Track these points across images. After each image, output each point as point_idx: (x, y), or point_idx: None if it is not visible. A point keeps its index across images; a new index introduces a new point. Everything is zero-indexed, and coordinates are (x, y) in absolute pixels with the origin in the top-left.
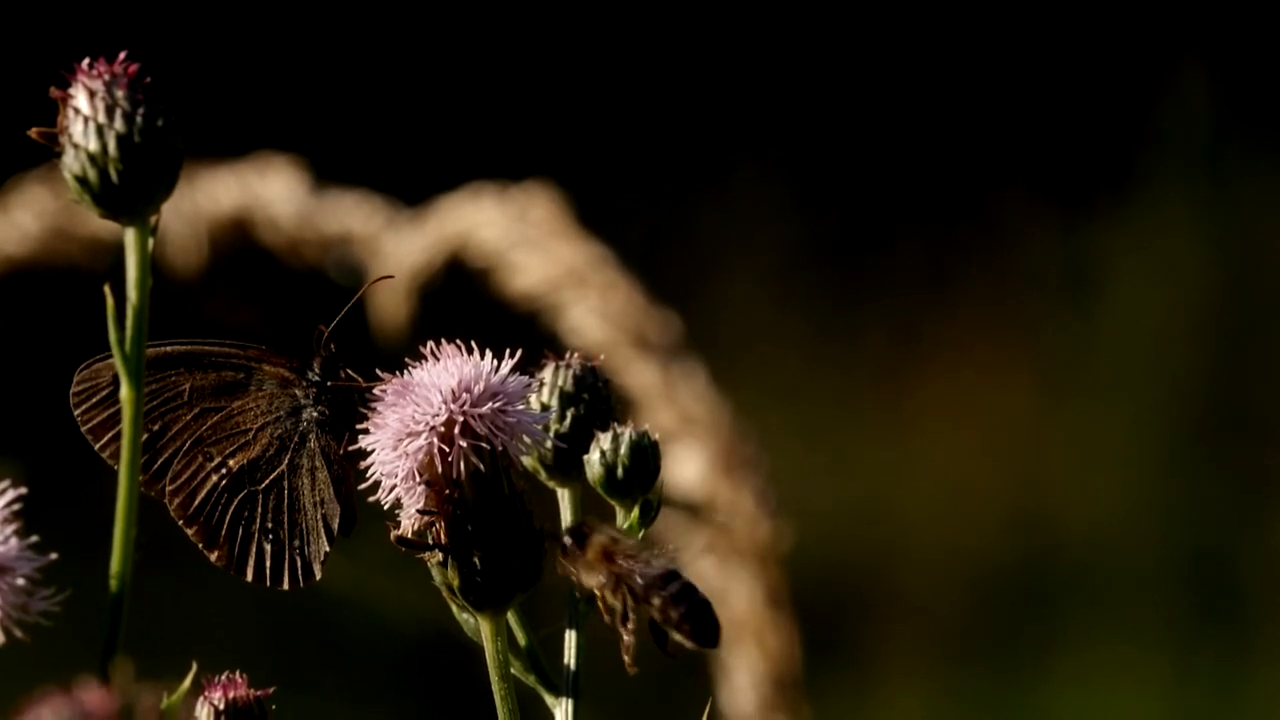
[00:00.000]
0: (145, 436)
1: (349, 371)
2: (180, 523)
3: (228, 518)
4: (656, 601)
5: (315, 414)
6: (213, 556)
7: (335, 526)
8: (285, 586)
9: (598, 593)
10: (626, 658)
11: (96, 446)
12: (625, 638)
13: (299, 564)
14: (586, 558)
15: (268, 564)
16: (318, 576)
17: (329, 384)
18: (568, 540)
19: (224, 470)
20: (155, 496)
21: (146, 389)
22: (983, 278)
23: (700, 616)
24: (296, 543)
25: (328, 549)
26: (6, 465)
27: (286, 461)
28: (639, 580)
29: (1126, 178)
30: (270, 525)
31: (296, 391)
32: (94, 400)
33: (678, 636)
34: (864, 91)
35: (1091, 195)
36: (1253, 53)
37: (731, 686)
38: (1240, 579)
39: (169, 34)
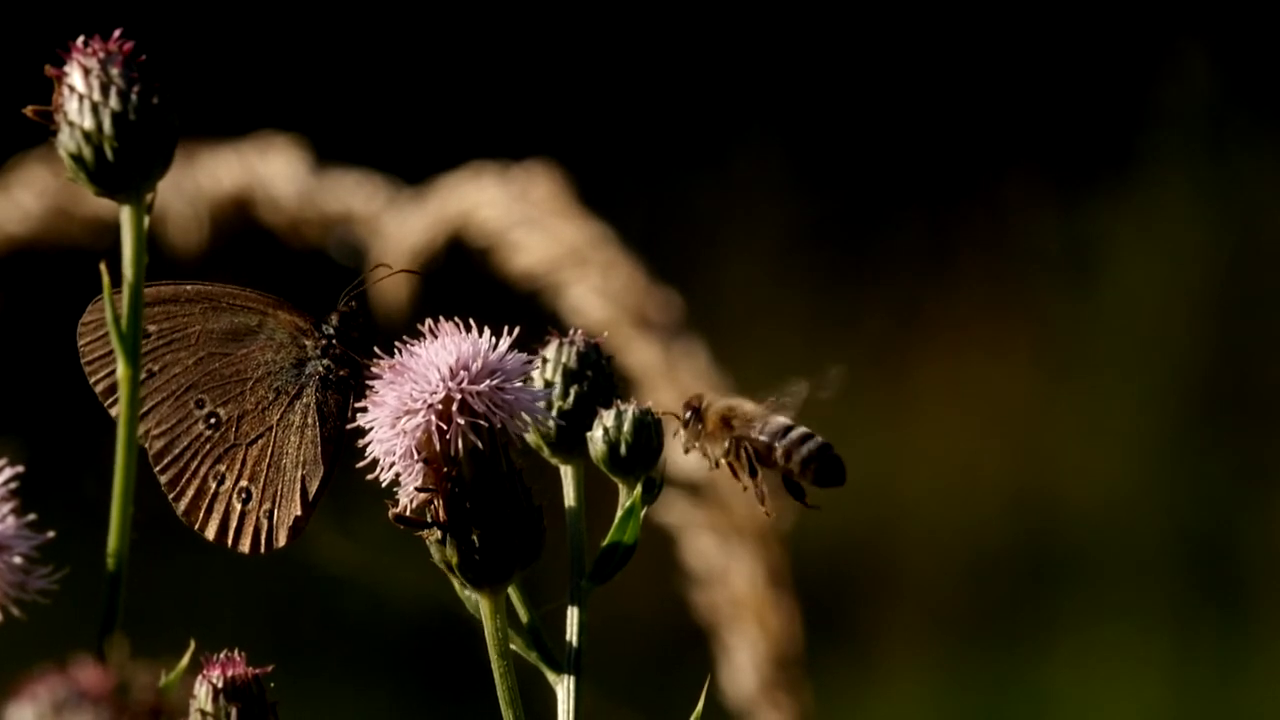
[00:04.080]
0: (143, 377)
1: (363, 329)
2: (155, 469)
3: (203, 469)
4: (779, 452)
5: (320, 368)
6: (178, 507)
7: (313, 490)
8: (245, 550)
9: (724, 460)
10: (768, 512)
11: (92, 380)
12: (756, 494)
13: (265, 529)
14: (707, 429)
15: (232, 524)
16: (281, 544)
17: (336, 342)
18: (687, 415)
19: (212, 420)
20: (138, 440)
21: (157, 325)
22: (983, 257)
23: (822, 458)
24: (267, 505)
25: (298, 513)
26: (5, 443)
27: (278, 417)
28: (759, 437)
29: (1127, 157)
30: (245, 483)
31: (307, 343)
32: (103, 333)
33: (804, 482)
34: (865, 71)
35: (1092, 175)
36: (1253, 31)
37: (732, 665)
38: (1240, 559)
39: (169, 13)
